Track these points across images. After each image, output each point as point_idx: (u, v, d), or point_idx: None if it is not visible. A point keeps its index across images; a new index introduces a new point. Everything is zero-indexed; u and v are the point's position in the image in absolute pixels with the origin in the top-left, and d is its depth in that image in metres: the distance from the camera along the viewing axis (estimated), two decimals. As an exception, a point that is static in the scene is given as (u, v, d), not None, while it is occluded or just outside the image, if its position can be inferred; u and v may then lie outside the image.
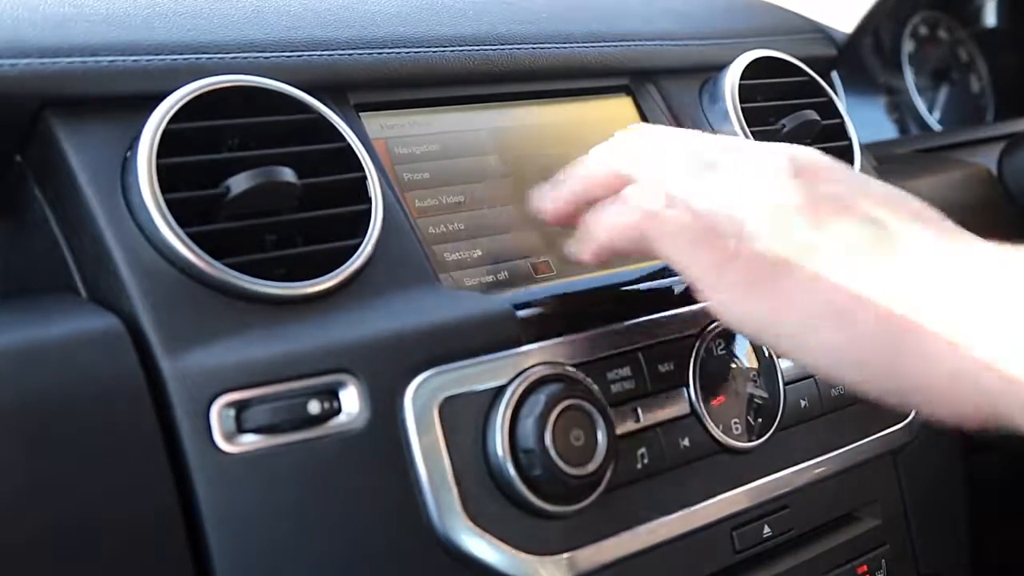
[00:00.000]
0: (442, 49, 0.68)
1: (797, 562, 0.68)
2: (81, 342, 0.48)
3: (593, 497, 0.56)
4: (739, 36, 0.86)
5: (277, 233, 0.57)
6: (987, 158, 1.03)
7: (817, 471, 0.69)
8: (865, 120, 1.22)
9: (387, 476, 0.53)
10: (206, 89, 0.56)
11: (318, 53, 0.63)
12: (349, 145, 0.60)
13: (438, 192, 0.66)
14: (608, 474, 0.57)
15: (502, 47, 0.71)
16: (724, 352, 0.65)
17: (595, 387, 0.58)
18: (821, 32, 0.96)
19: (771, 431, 0.66)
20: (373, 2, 0.71)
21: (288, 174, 0.55)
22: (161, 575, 0.48)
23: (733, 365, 0.65)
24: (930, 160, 1.07)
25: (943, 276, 0.46)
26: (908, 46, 1.33)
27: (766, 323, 0.51)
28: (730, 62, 0.81)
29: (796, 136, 0.80)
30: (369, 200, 0.59)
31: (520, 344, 0.58)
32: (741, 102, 0.79)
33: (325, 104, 0.61)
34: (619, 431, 0.58)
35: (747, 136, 0.77)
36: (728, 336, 0.66)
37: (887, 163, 0.96)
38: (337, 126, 0.60)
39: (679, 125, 0.78)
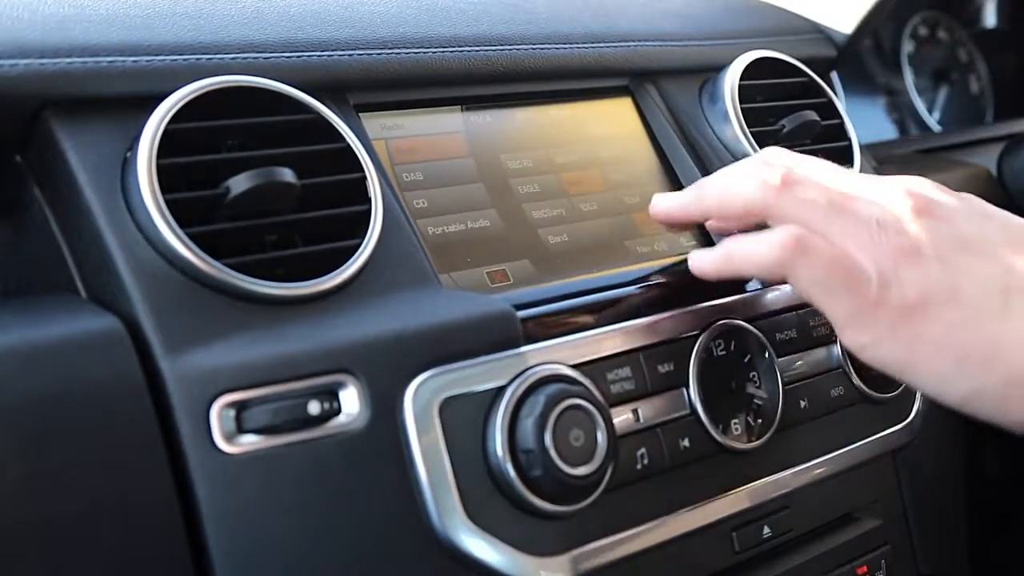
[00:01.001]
0: (442, 50, 0.68)
1: (797, 562, 0.68)
2: (81, 342, 0.48)
3: (593, 497, 0.56)
4: (739, 37, 0.86)
5: (277, 233, 0.57)
6: (987, 159, 1.03)
7: (817, 472, 0.69)
8: (865, 120, 1.22)
9: (387, 476, 0.53)
10: (206, 89, 0.56)
11: (318, 54, 0.63)
12: (349, 145, 0.60)
13: (438, 193, 0.66)
14: (608, 474, 0.57)
15: (502, 48, 0.71)
16: (724, 352, 0.65)
17: (595, 387, 0.58)
18: (821, 33, 0.96)
19: (771, 432, 0.66)
20: (373, 3, 0.71)
21: (288, 174, 0.55)
22: (161, 575, 0.48)
23: (733, 365, 0.65)
24: (930, 161, 1.07)
25: None
26: (908, 47, 1.33)
27: (906, 366, 0.54)
28: (730, 62, 0.81)
29: (796, 136, 0.80)
30: (369, 200, 0.59)
31: (520, 345, 0.58)
32: (741, 102, 0.79)
33: (325, 104, 0.61)
34: (619, 431, 0.58)
35: (747, 136, 0.77)
36: (728, 336, 0.66)
37: (887, 164, 0.96)
38: (337, 126, 0.60)
39: (679, 125, 0.78)
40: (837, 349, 0.72)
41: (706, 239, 0.74)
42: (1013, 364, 0.51)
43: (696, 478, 0.63)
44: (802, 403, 0.69)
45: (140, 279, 0.51)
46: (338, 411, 0.52)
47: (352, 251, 0.57)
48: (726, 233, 0.65)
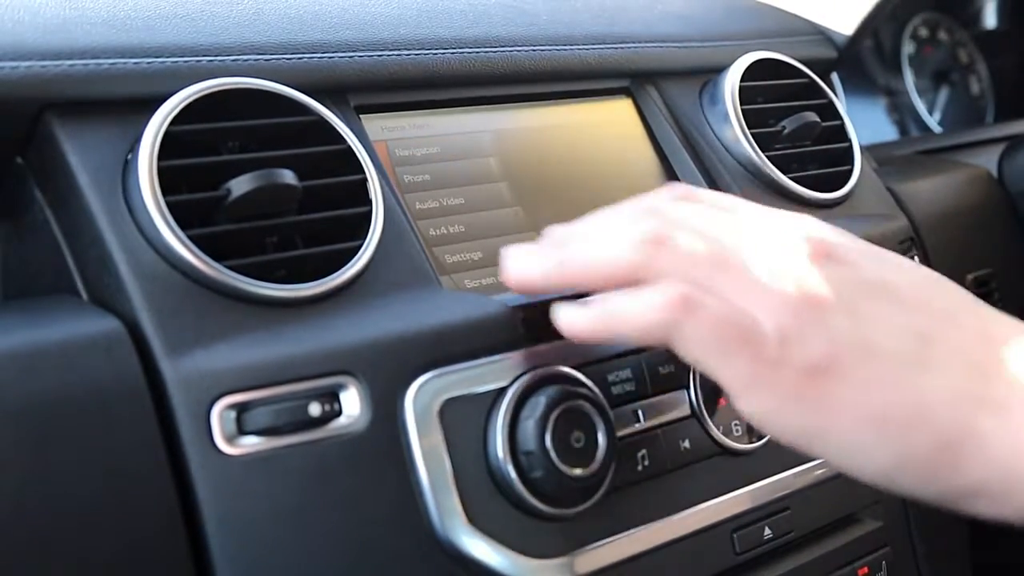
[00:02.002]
0: (442, 51, 0.68)
1: (798, 564, 0.68)
2: (82, 345, 0.48)
3: (594, 499, 0.56)
4: (739, 38, 0.86)
5: (278, 235, 0.57)
6: (987, 160, 1.03)
7: (818, 473, 0.69)
8: (865, 122, 1.22)
9: (388, 478, 0.53)
10: (207, 91, 0.56)
11: (318, 55, 0.63)
12: (350, 147, 0.60)
13: (438, 194, 0.66)
14: (609, 476, 0.57)
15: (502, 49, 0.71)
16: (725, 354, 0.65)
17: (596, 389, 0.58)
18: (821, 34, 0.96)
19: (772, 433, 0.66)
20: (373, 4, 0.71)
21: (289, 176, 0.55)
22: (162, 577, 0.48)
23: (734, 367, 0.65)
24: (930, 162, 1.07)
25: (1000, 381, 0.44)
26: (908, 48, 1.33)
27: (815, 436, 0.47)
28: (730, 64, 0.81)
29: (796, 138, 0.80)
30: (370, 202, 0.59)
31: (521, 346, 0.58)
32: (741, 104, 0.79)
33: (326, 106, 0.61)
34: (620, 433, 0.58)
35: (747, 138, 0.77)
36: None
37: (887, 165, 0.96)
38: (338, 128, 0.60)
39: (679, 127, 0.78)
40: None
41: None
42: (941, 426, 0.44)
43: (697, 479, 0.63)
44: (803, 404, 0.69)
45: (141, 281, 0.51)
46: (339, 413, 0.52)
47: (353, 253, 0.57)
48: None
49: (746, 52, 0.82)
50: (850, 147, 0.84)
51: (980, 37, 1.42)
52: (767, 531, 0.67)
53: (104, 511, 0.47)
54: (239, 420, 0.50)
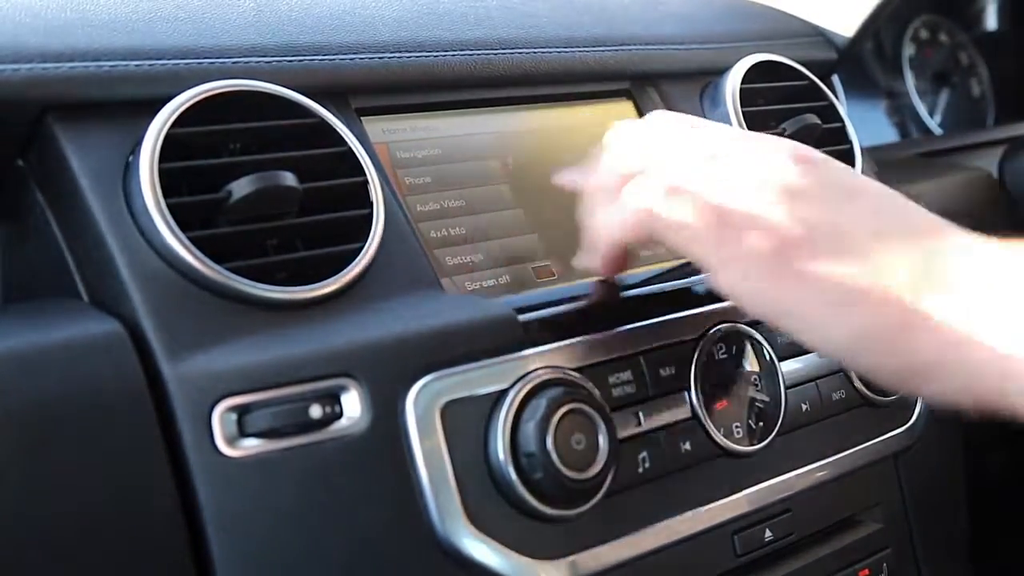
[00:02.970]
0: (443, 53, 0.68)
1: (799, 566, 0.68)
2: (83, 347, 0.48)
3: (594, 501, 0.56)
4: (740, 40, 0.86)
5: (279, 237, 0.57)
6: (988, 162, 1.03)
7: (818, 475, 0.69)
8: (866, 124, 1.22)
9: (389, 480, 0.53)
10: (208, 94, 0.57)
11: (320, 57, 0.63)
12: (351, 149, 0.60)
13: (439, 196, 0.66)
14: (609, 478, 0.57)
15: (503, 51, 0.71)
16: (725, 356, 0.65)
17: (596, 391, 0.58)
18: (822, 36, 0.96)
19: (772, 435, 0.66)
20: (374, 6, 0.71)
21: (290, 178, 0.55)
22: (163, 579, 0.48)
23: (734, 369, 0.65)
24: (931, 164, 1.07)
25: (950, 267, 0.47)
26: (909, 50, 1.33)
27: (781, 310, 0.50)
28: (731, 66, 0.81)
29: (797, 139, 0.80)
30: (370, 204, 0.59)
31: (522, 348, 0.58)
32: (742, 106, 0.79)
33: (327, 108, 0.61)
34: (620, 435, 0.58)
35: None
36: (729, 340, 0.66)
37: (888, 167, 0.96)
38: (339, 130, 0.60)
39: (680, 129, 0.78)
40: (838, 352, 0.72)
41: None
42: (896, 306, 0.47)
43: (698, 481, 0.63)
44: (803, 406, 0.69)
45: (142, 283, 0.51)
46: (340, 415, 0.52)
47: (354, 255, 0.57)
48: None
49: (747, 54, 0.82)
50: (851, 149, 0.84)
51: (981, 39, 1.42)
52: (768, 533, 0.67)
53: (105, 513, 0.47)
54: (240, 422, 0.50)
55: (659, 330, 0.63)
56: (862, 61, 1.30)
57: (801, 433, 0.68)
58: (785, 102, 0.82)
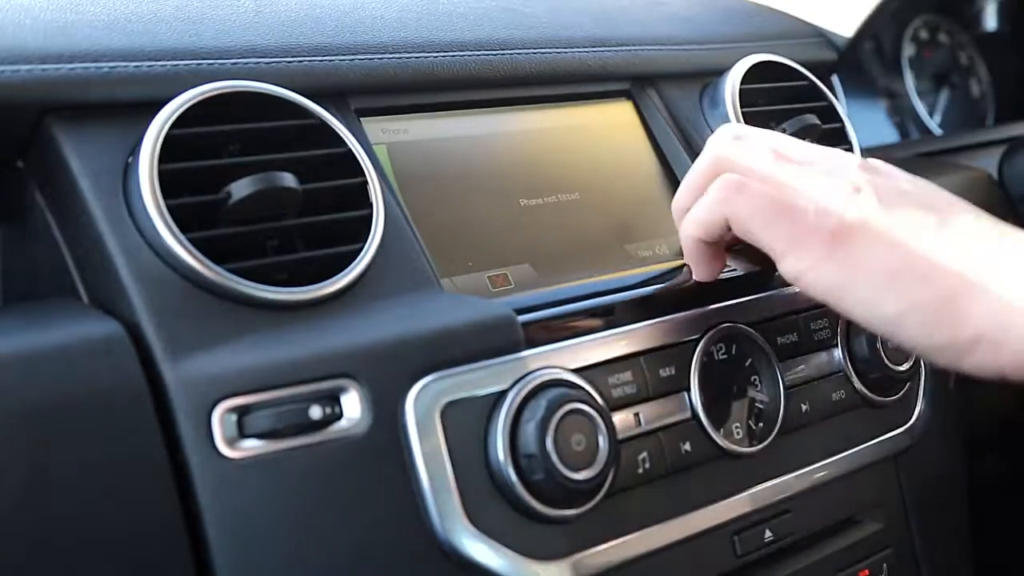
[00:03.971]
0: (443, 54, 0.69)
1: (799, 566, 0.68)
2: (83, 348, 0.48)
3: (594, 501, 0.56)
4: (739, 40, 0.86)
5: (279, 238, 0.57)
6: (988, 162, 1.03)
7: (818, 475, 0.69)
8: (865, 124, 1.22)
9: (389, 481, 0.53)
10: (207, 95, 0.57)
11: (319, 58, 0.64)
12: (350, 150, 0.60)
13: (439, 197, 0.66)
14: (609, 479, 0.57)
15: (503, 52, 0.71)
16: (725, 356, 0.65)
17: (596, 392, 0.58)
18: (821, 36, 0.96)
19: (772, 435, 0.66)
20: (374, 7, 0.71)
21: (289, 179, 0.55)
22: (163, 580, 0.48)
23: (734, 369, 0.65)
24: (931, 164, 1.07)
25: (993, 247, 0.53)
26: (908, 50, 1.33)
27: (841, 290, 0.55)
28: (731, 66, 0.81)
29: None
30: (370, 205, 0.59)
31: (521, 349, 0.58)
32: (742, 106, 0.79)
33: (326, 109, 0.61)
34: (620, 436, 0.58)
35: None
36: (729, 340, 0.66)
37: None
38: (338, 131, 0.60)
39: (679, 129, 0.78)
40: (839, 353, 0.72)
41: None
42: (943, 282, 0.52)
43: (698, 482, 0.63)
44: (804, 407, 0.69)
45: (142, 284, 0.51)
46: (340, 416, 0.52)
47: (354, 256, 0.57)
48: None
49: (746, 55, 0.82)
50: (850, 149, 0.84)
51: (981, 39, 1.42)
52: (768, 534, 0.67)
53: (105, 514, 0.47)
54: (240, 423, 0.50)
55: (659, 330, 0.63)
56: (862, 61, 1.29)
57: (801, 433, 0.68)
58: (785, 102, 0.82)
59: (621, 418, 0.60)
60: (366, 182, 0.60)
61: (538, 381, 0.56)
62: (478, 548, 0.53)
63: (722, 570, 0.65)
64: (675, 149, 0.78)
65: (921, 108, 1.32)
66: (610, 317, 0.63)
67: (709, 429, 0.63)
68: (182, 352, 0.50)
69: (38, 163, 0.56)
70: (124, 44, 0.58)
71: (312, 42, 0.64)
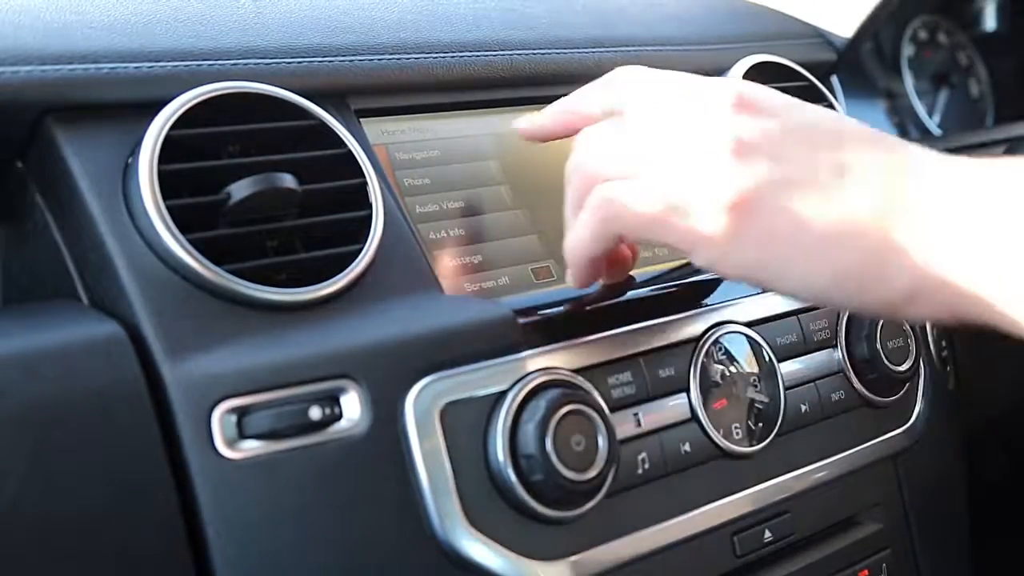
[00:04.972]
0: (442, 55, 0.69)
1: (798, 566, 0.68)
2: (83, 349, 0.48)
3: (594, 502, 0.56)
4: (739, 41, 0.86)
5: (278, 239, 0.57)
6: (987, 162, 1.03)
7: (818, 475, 0.69)
8: (865, 123, 1.21)
9: (388, 481, 0.53)
10: (207, 96, 0.57)
11: (319, 59, 0.64)
12: (350, 151, 0.60)
13: (439, 198, 0.66)
14: (609, 479, 0.57)
15: (502, 53, 0.71)
16: (724, 357, 0.65)
17: (596, 392, 0.58)
18: (821, 37, 0.96)
19: (772, 436, 0.66)
20: (373, 8, 0.71)
21: (289, 180, 0.55)
22: (163, 581, 0.48)
23: (733, 370, 0.65)
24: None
25: (916, 193, 0.48)
26: (908, 50, 1.33)
27: (759, 268, 0.51)
28: (730, 67, 0.81)
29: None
30: (370, 206, 0.59)
31: (521, 350, 0.58)
32: (741, 107, 0.79)
33: (326, 110, 0.61)
34: (620, 436, 0.58)
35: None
36: (729, 341, 0.66)
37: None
38: (338, 132, 0.60)
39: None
40: (838, 353, 0.72)
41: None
42: (864, 241, 0.47)
43: (697, 482, 0.63)
44: (803, 407, 0.69)
45: (141, 285, 0.51)
46: (339, 416, 0.52)
47: (353, 256, 0.57)
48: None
49: (746, 55, 0.83)
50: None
51: (980, 40, 1.42)
52: (767, 534, 0.67)
53: (105, 514, 0.47)
54: (240, 424, 0.50)
55: (658, 331, 0.63)
56: (861, 62, 1.29)
57: (800, 434, 0.68)
58: (784, 103, 0.82)
59: (621, 418, 0.60)
60: (366, 183, 0.60)
61: (537, 381, 0.56)
62: (477, 548, 0.53)
63: (722, 570, 0.65)
64: (674, 149, 0.77)
65: (920, 108, 1.32)
66: (610, 318, 0.63)
67: (708, 429, 0.63)
68: (182, 353, 0.50)
69: (38, 164, 0.56)
70: (124, 45, 0.58)
71: (312, 43, 0.64)
